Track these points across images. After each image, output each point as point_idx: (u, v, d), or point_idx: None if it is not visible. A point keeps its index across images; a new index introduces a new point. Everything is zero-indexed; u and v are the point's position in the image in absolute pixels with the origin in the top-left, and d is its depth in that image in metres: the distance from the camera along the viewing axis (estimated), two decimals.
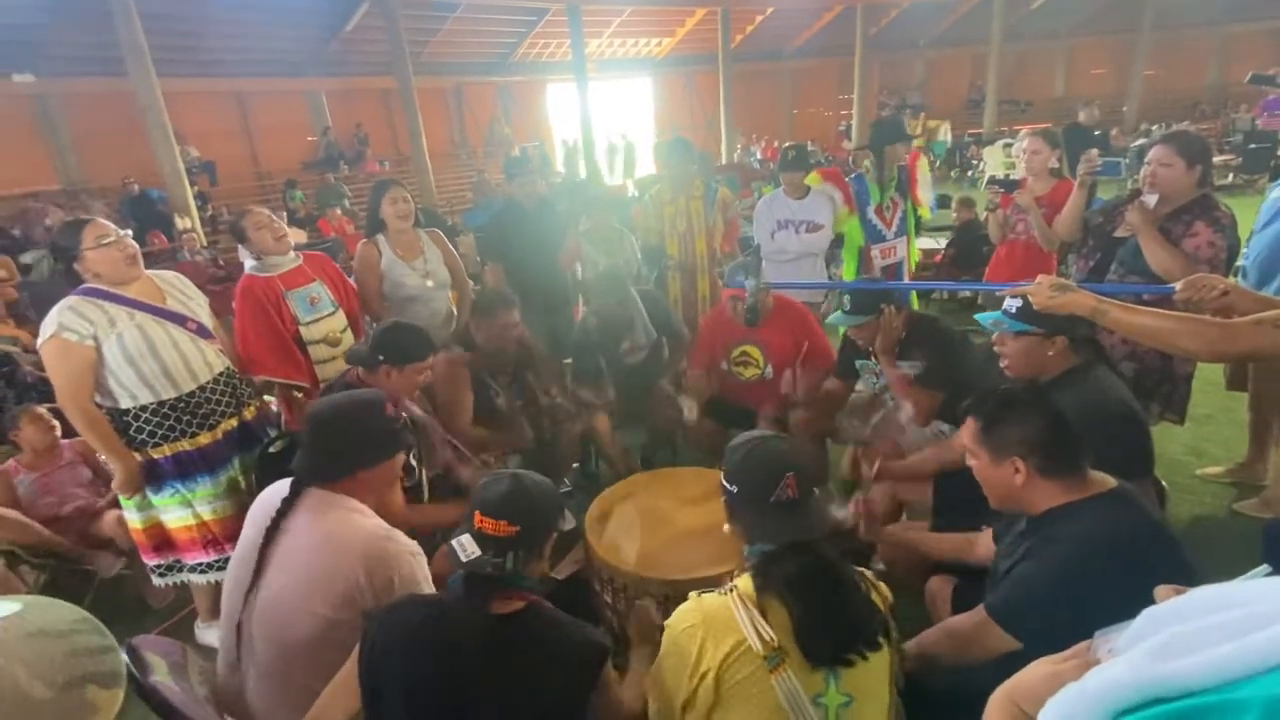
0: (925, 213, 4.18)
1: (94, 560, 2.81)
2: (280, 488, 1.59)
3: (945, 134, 15.35)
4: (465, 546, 1.30)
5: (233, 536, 2.31)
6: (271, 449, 2.31)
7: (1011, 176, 3.66)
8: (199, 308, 2.39)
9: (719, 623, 1.23)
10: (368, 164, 14.53)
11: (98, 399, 2.19)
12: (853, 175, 3.93)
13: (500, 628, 1.25)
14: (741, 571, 1.33)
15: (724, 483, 1.40)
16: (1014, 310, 1.93)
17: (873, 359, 2.70)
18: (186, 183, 9.69)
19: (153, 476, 2.29)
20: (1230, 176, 10.68)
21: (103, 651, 0.76)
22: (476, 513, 1.33)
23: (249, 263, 2.76)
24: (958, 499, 2.07)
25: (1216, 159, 9.94)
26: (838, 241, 4.08)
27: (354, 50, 13.57)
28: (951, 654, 1.50)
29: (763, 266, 2.99)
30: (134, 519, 2.37)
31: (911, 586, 1.96)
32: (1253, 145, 10.88)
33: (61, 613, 0.77)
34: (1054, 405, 1.46)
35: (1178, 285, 1.76)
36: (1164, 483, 2.27)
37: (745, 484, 1.35)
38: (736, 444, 1.42)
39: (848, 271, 4.05)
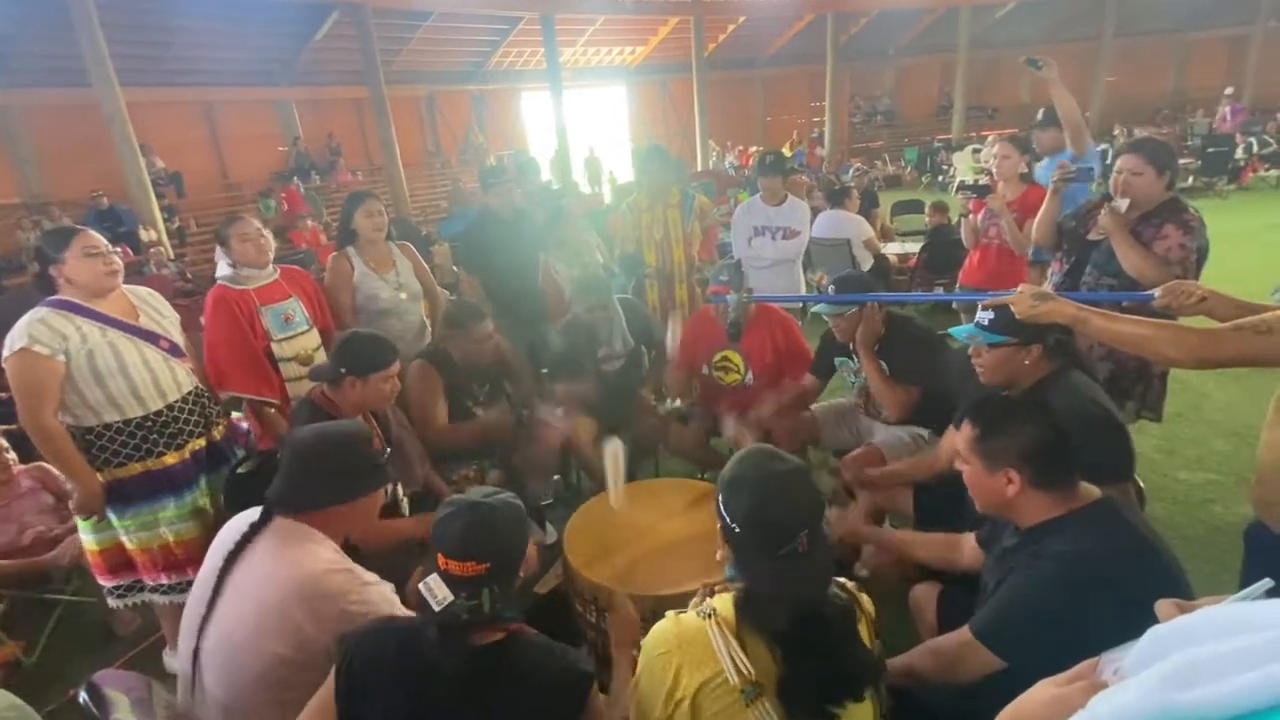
0: None
1: (50, 561, 2.71)
2: (250, 514, 1.53)
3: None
4: (435, 591, 1.19)
5: (195, 559, 2.23)
6: (240, 469, 2.24)
7: (980, 181, 3.71)
8: (171, 326, 2.32)
9: (696, 651, 1.18)
10: (340, 174, 14.36)
11: (61, 416, 2.11)
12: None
13: (481, 658, 1.20)
14: (722, 588, 1.27)
15: (723, 514, 1.24)
16: (987, 322, 1.93)
17: (852, 356, 2.70)
18: (152, 195, 9.49)
19: (117, 497, 2.20)
20: (1190, 179, 10.97)
21: None
22: (439, 555, 1.21)
23: (222, 270, 2.64)
24: (939, 507, 2.07)
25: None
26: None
27: (325, 59, 13.43)
28: (937, 674, 1.47)
29: (744, 277, 2.98)
30: (89, 540, 2.28)
31: (896, 594, 1.95)
32: (1210, 149, 11.22)
33: None
34: (1053, 418, 1.44)
35: (1157, 292, 1.76)
36: (1141, 483, 2.29)
37: (753, 533, 1.20)
38: (743, 478, 1.23)
39: None
